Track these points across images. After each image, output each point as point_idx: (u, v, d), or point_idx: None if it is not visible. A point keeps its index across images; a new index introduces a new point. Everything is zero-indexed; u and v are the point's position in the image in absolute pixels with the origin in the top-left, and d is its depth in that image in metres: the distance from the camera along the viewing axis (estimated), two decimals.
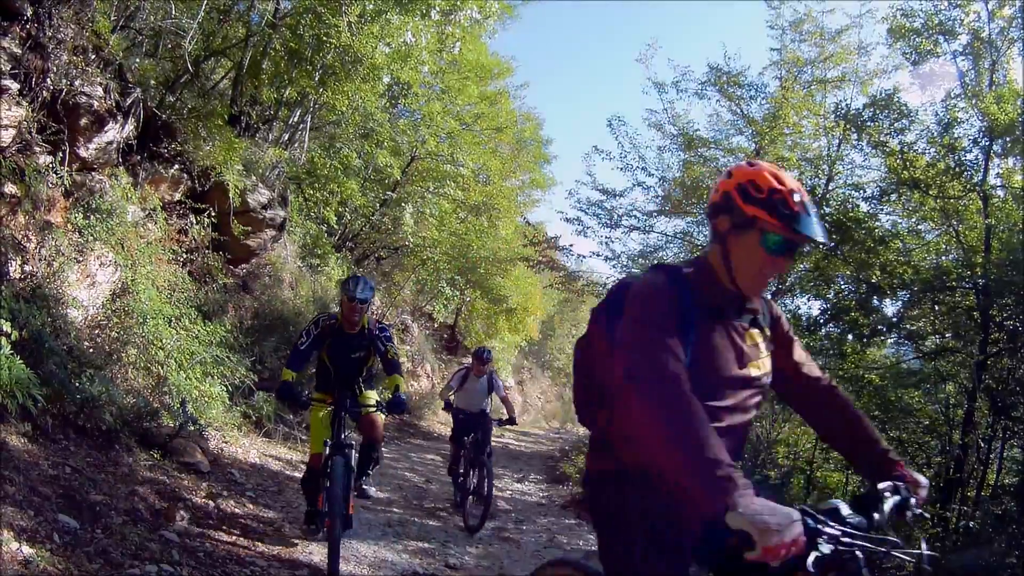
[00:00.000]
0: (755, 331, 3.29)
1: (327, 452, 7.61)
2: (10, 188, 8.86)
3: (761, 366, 3.23)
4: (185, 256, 12.55)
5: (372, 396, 8.54)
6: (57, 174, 9.55)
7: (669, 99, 20.65)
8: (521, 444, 26.64)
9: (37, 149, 9.23)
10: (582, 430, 32.99)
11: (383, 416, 8.59)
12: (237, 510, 8.65)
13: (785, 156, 18.56)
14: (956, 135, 11.34)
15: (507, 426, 13.24)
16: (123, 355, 10.11)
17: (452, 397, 12.78)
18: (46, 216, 9.38)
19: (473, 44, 24.75)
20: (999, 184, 11.68)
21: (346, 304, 7.96)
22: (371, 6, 14.60)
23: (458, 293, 27.16)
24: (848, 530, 2.54)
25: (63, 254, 9.47)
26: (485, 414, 12.41)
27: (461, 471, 12.20)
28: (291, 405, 9.69)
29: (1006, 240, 10.83)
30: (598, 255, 26.27)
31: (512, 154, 31.47)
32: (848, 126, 15.68)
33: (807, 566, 2.39)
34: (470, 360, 13.36)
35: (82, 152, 10.13)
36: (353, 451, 7.75)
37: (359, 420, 8.34)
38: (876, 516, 2.80)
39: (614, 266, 21.41)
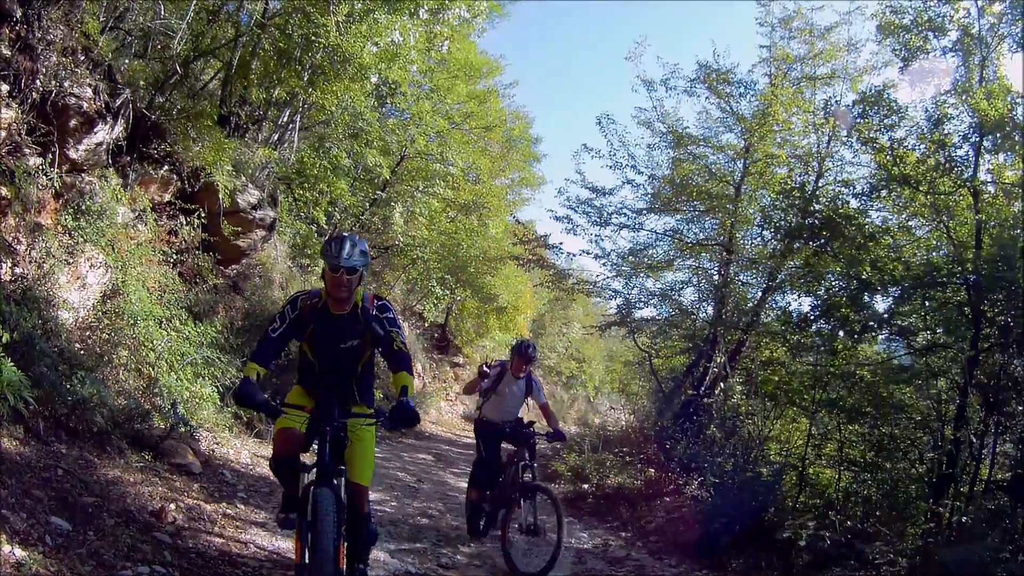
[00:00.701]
0: None
1: (307, 480, 5.84)
2: (0, 190, 8.85)
3: None
4: (175, 257, 12.53)
5: (367, 408, 6.29)
6: (47, 176, 9.55)
7: (658, 97, 20.49)
8: None
9: (27, 151, 9.22)
10: (573, 428, 33.13)
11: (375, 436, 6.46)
12: (229, 511, 8.64)
13: (775, 153, 18.64)
14: (946, 131, 11.35)
15: (556, 442, 10.52)
16: (114, 357, 10.10)
17: (480, 404, 10.72)
18: (36, 218, 9.37)
19: (462, 43, 24.73)
20: (990, 180, 11.69)
21: (329, 276, 5.91)
22: (359, 5, 14.59)
23: (448, 292, 27.07)
24: None
25: (53, 256, 9.46)
26: (528, 426, 10.13)
27: (487, 502, 10.27)
28: (256, 411, 7.43)
29: (997, 236, 10.84)
30: (588, 253, 26.40)
31: (501, 153, 31.53)
32: (837, 122, 15.73)
33: None
34: (477, 359, 11.64)
35: (72, 154, 10.12)
36: (342, 478, 5.78)
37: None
38: None
39: (604, 264, 21.43)
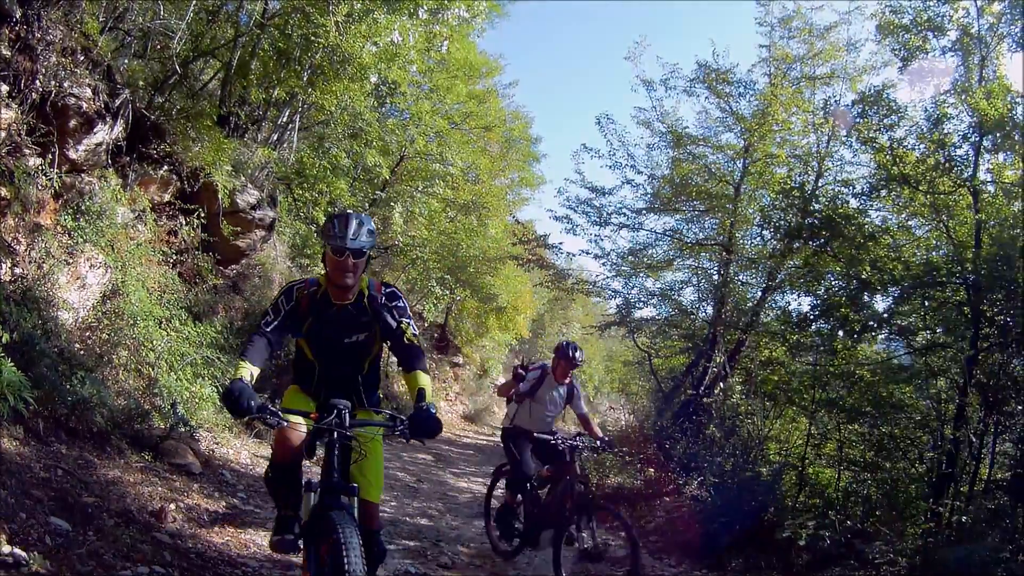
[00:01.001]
0: None
1: (313, 500, 4.90)
2: (0, 191, 8.85)
3: None
4: (175, 257, 12.54)
5: (375, 415, 5.60)
6: (47, 176, 9.55)
7: (658, 97, 20.45)
8: None
9: (26, 151, 9.22)
10: (573, 428, 33.15)
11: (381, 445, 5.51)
12: (228, 511, 8.63)
13: (774, 153, 18.61)
14: (946, 131, 11.35)
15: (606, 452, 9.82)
16: (114, 357, 10.10)
17: (513, 412, 9.51)
18: (36, 218, 9.38)
19: (461, 43, 24.68)
20: (989, 179, 11.69)
21: (332, 260, 5.13)
22: (358, 5, 14.56)
23: (448, 292, 27.06)
24: None
25: (53, 256, 9.46)
26: (574, 437, 8.95)
27: (520, 519, 9.25)
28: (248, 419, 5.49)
29: (996, 235, 10.84)
30: (587, 253, 26.41)
31: (501, 153, 31.54)
32: (836, 122, 15.74)
33: None
34: (520, 362, 9.87)
35: (71, 154, 10.11)
36: (355, 498, 4.88)
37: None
38: None
39: (603, 264, 21.43)
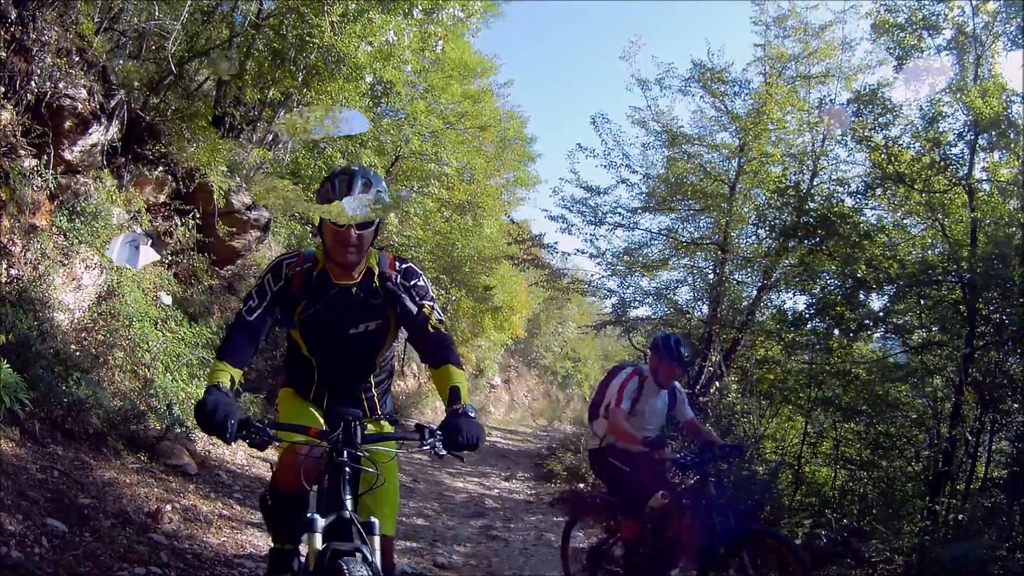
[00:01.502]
0: None
1: (318, 543, 3.32)
2: None
3: None
4: (170, 258, 12.51)
5: (388, 426, 4.74)
6: (42, 177, 9.51)
7: (653, 96, 20.54)
8: (508, 442, 26.66)
9: (22, 152, 9.19)
10: (569, 428, 33.15)
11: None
12: (225, 512, 8.63)
13: (769, 152, 18.64)
14: (941, 129, 11.36)
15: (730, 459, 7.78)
16: (109, 358, 10.07)
17: (603, 431, 7.51)
18: (31, 219, 9.34)
19: (456, 42, 24.62)
20: (985, 178, 11.70)
21: (331, 231, 4.09)
22: (353, 5, 14.54)
23: (443, 292, 27.04)
24: None
25: (48, 257, 9.44)
26: (707, 448, 7.12)
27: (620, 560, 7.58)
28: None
29: (992, 234, 10.84)
30: (583, 252, 26.42)
31: (496, 152, 31.46)
32: (832, 121, 15.76)
33: None
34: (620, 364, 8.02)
35: (67, 155, 10.08)
36: (375, 537, 3.44)
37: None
38: None
39: (599, 263, 21.54)
